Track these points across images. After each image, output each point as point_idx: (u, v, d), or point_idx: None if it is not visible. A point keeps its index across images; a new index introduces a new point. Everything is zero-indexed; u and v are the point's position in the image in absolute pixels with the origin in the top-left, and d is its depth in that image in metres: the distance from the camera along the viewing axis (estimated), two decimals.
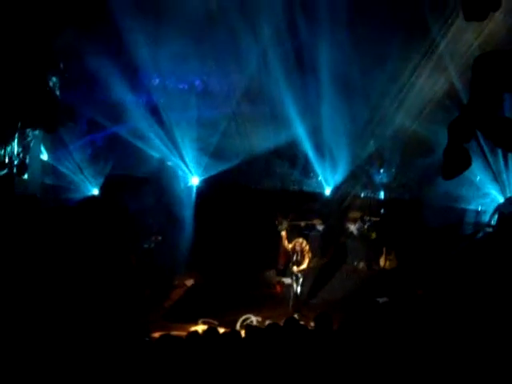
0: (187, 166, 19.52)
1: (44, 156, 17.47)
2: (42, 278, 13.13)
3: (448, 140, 10.10)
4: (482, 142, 15.99)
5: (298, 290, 15.77)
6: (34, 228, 14.74)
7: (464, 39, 15.89)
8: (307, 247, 16.18)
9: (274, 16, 17.36)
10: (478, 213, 18.06)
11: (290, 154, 19.71)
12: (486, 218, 17.82)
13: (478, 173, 17.31)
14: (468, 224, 17.88)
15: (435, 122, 16.56)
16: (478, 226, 17.68)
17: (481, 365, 7.27)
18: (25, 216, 14.98)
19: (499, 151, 16.60)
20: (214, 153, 19.31)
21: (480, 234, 17.18)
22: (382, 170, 19.57)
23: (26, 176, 16.03)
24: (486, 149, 16.75)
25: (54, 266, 14.10)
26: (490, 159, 17.22)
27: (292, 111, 18.52)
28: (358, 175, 19.59)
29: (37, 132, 16.50)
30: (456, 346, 7.88)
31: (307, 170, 19.79)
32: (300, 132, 18.81)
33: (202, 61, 18.66)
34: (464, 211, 17.95)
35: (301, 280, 15.80)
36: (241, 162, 19.10)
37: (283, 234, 16.36)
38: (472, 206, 18.02)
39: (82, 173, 18.69)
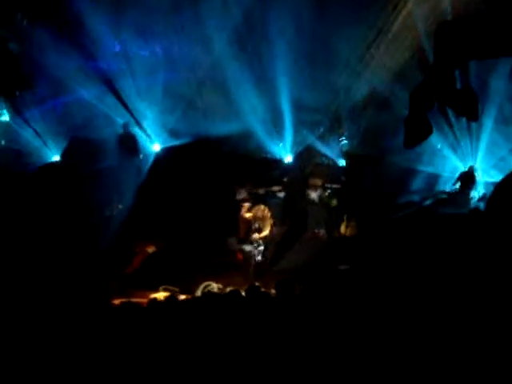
0: (147, 133, 19.40)
1: (5, 117, 17.28)
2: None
3: (409, 109, 10.15)
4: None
5: (259, 257, 15.84)
6: None
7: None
8: (268, 214, 16.23)
9: None
10: (433, 177, 18.32)
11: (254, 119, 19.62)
12: (440, 184, 18.15)
13: (439, 140, 17.48)
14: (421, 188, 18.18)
15: (399, 88, 16.63)
16: (430, 191, 18.01)
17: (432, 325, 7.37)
18: None
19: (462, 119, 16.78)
20: (177, 121, 19.20)
21: (429, 201, 17.47)
22: (343, 138, 19.58)
23: None
24: (449, 116, 16.95)
25: (13, 234, 14.01)
26: (452, 127, 17.44)
27: (255, 78, 18.51)
28: (320, 142, 19.61)
29: None
30: (417, 311, 7.97)
31: (269, 136, 19.74)
32: (262, 99, 18.81)
33: (165, 27, 18.45)
34: (421, 173, 18.20)
35: (262, 247, 15.86)
36: (202, 131, 18.99)
37: (243, 203, 16.42)
38: (431, 170, 18.25)
39: (41, 138, 18.47)
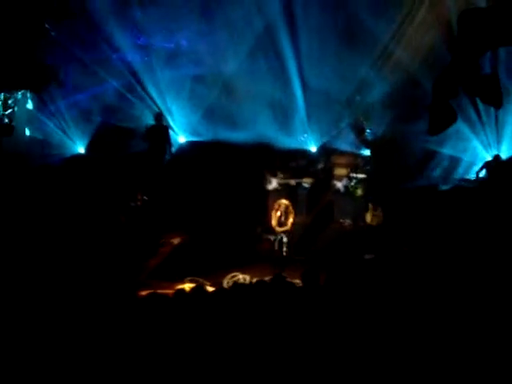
0: (173, 125, 19.49)
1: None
2: (29, 239, 13.15)
3: (433, 96, 10.09)
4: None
5: (284, 249, 15.88)
6: (20, 189, 14.74)
7: None
8: (290, 208, 16.25)
9: None
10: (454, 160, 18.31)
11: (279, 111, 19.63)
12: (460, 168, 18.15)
13: (464, 127, 17.40)
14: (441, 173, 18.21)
15: (425, 77, 16.56)
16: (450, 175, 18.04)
17: (464, 320, 7.35)
18: (11, 176, 14.98)
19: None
20: (204, 115, 19.30)
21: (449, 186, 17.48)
22: (368, 128, 19.52)
23: None
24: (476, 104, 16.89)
25: (42, 226, 14.13)
26: (478, 114, 17.40)
27: (281, 68, 18.59)
28: (345, 132, 19.57)
29: (20, 95, 16.50)
30: (441, 301, 7.96)
31: (295, 126, 19.75)
32: (289, 89, 18.86)
33: (190, 19, 18.53)
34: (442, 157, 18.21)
35: (284, 240, 15.91)
36: (229, 124, 19.05)
37: (272, 193, 16.47)
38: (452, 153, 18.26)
39: (67, 130, 18.62)
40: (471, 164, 18.24)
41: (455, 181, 18.00)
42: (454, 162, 18.44)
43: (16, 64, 15.31)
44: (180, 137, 19.60)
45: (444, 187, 17.65)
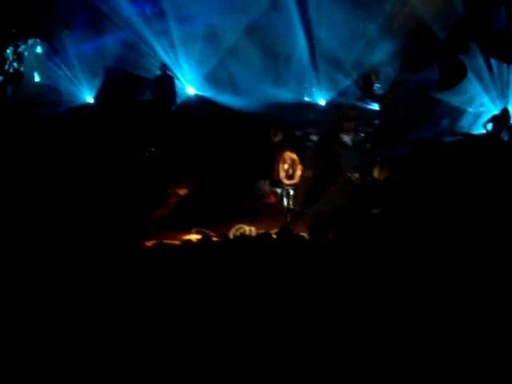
0: (182, 77, 19.39)
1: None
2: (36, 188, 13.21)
3: (443, 51, 10.02)
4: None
5: (290, 203, 15.90)
6: (29, 139, 14.77)
7: None
8: (298, 160, 16.21)
9: None
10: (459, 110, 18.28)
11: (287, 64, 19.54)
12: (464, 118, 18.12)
13: (472, 81, 17.28)
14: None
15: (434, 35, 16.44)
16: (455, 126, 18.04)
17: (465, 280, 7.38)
18: (19, 124, 14.99)
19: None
20: (215, 68, 19.21)
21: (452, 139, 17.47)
22: (377, 82, 19.41)
23: None
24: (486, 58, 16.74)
25: (49, 177, 14.17)
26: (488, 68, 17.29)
27: (289, 21, 18.47)
28: (353, 86, 19.48)
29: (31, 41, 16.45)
30: (447, 258, 7.98)
31: (303, 79, 19.66)
32: (296, 42, 18.76)
33: None
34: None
35: (292, 193, 15.92)
36: (239, 80, 19.02)
37: (279, 145, 16.43)
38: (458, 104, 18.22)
39: (76, 78, 18.55)
40: (478, 116, 18.16)
41: (460, 134, 17.95)
42: (461, 113, 18.36)
43: (27, 12, 15.24)
44: (188, 88, 19.45)
45: (448, 139, 17.60)
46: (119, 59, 18.85)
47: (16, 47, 15.99)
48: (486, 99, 17.99)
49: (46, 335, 6.35)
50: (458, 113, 18.39)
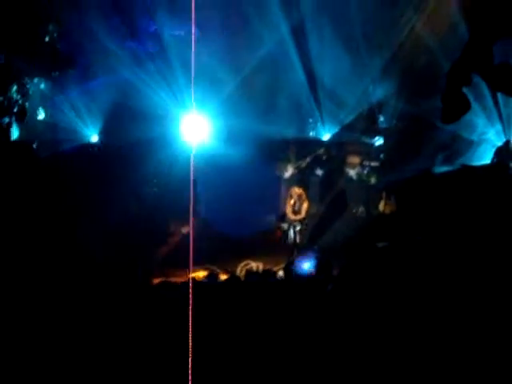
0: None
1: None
2: (38, 225, 13.23)
3: (446, 85, 10.08)
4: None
5: (297, 237, 15.91)
6: (30, 175, 14.80)
7: None
8: (304, 196, 16.26)
9: None
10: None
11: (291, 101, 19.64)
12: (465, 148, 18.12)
13: (477, 114, 17.32)
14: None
15: (437, 65, 16.54)
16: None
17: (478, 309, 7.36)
18: (20, 163, 15.04)
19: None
20: (219, 104, 19.30)
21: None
22: (381, 116, 19.49)
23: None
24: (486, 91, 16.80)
25: (52, 211, 14.20)
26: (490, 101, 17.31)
27: (293, 58, 18.60)
28: (357, 121, 19.56)
29: (36, 80, 16.58)
30: (455, 290, 7.96)
31: (307, 115, 19.75)
32: (300, 79, 18.87)
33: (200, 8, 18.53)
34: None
35: (298, 228, 15.93)
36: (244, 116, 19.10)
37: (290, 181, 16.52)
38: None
39: (80, 117, 18.63)
40: (481, 148, 18.17)
41: (463, 165, 17.97)
42: (464, 145, 18.38)
43: (32, 51, 15.40)
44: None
45: (449, 170, 17.60)
46: (123, 96, 18.93)
47: (22, 85, 16.11)
48: (489, 128, 18.03)
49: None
50: (460, 142, 18.39)
